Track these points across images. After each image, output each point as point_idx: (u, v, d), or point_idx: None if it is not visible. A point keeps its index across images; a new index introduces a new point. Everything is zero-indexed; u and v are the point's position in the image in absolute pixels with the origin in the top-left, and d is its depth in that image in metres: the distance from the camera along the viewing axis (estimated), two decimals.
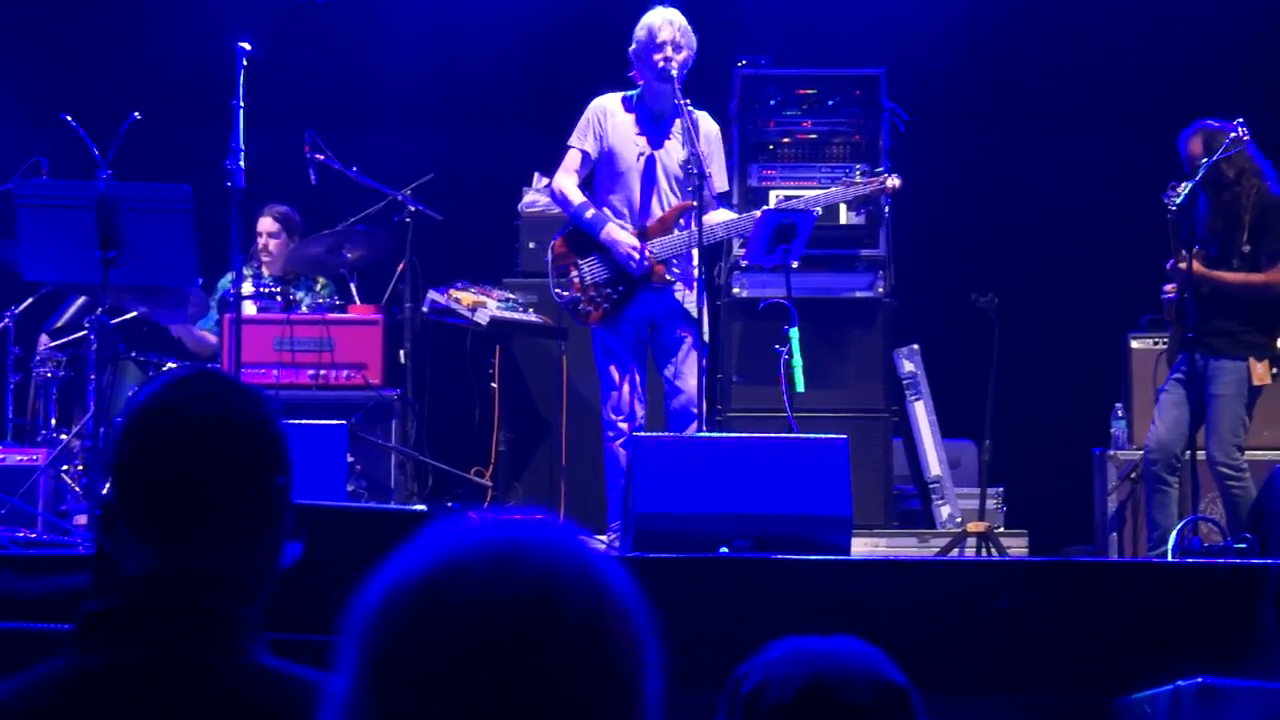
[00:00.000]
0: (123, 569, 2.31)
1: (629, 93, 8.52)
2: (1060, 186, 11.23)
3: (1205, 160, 8.43)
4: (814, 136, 9.71)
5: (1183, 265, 8.44)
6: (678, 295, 8.39)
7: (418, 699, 1.49)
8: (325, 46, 11.30)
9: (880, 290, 9.58)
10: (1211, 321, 8.50)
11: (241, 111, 8.07)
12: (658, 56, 8.26)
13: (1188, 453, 8.49)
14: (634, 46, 8.39)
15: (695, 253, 8.34)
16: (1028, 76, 11.45)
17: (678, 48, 8.29)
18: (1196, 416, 8.52)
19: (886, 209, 9.47)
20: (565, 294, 8.51)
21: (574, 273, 8.48)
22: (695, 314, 8.27)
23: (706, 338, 8.35)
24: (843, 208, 9.48)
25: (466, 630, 1.49)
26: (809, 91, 9.74)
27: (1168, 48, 11.21)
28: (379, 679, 1.51)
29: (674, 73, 8.23)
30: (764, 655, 2.17)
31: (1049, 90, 11.41)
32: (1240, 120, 8.46)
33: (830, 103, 9.73)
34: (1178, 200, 8.37)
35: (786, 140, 9.69)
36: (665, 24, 8.29)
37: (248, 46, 8.17)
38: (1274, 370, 8.55)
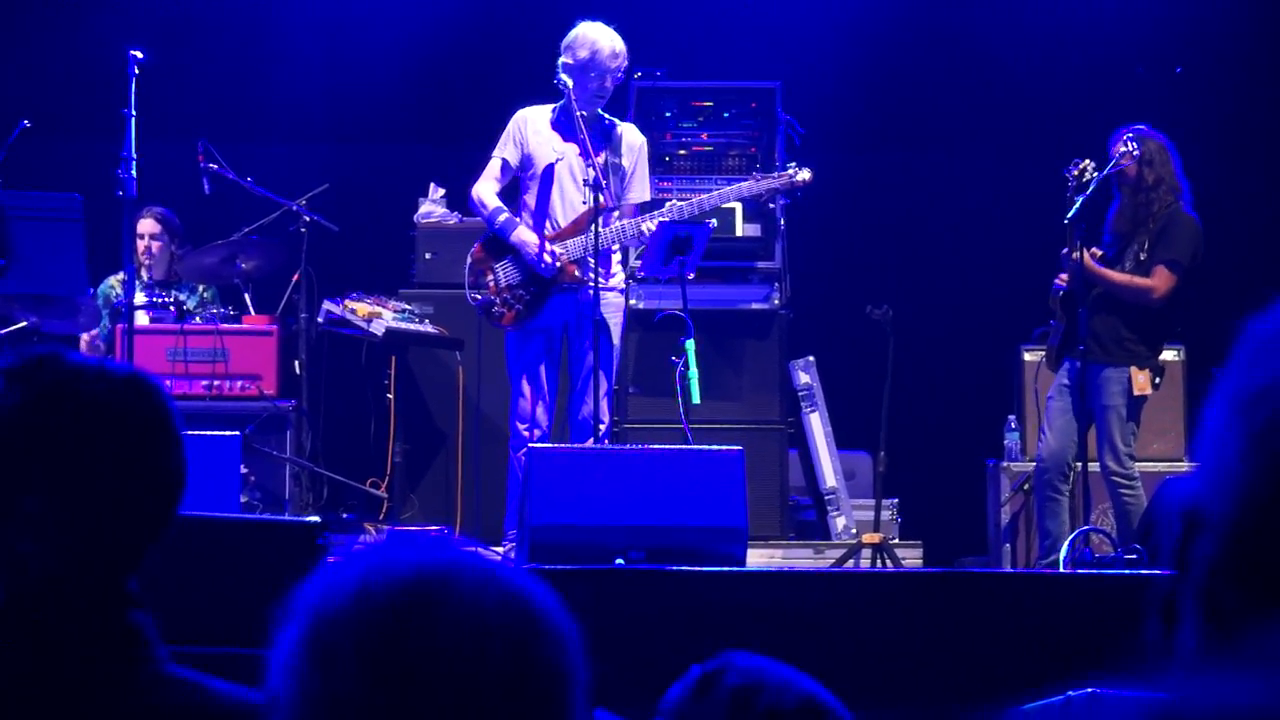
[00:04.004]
0: (26, 569, 2.26)
1: (554, 105, 8.54)
2: (954, 200, 11.31)
3: (1115, 158, 8.52)
4: (710, 149, 9.73)
5: (1076, 256, 8.49)
6: (603, 295, 8.36)
7: None
8: (219, 57, 11.20)
9: (776, 302, 9.60)
10: (1097, 326, 8.56)
11: (133, 120, 7.99)
12: (606, 82, 8.41)
13: (1079, 462, 8.58)
14: (577, 60, 8.38)
15: (616, 252, 8.43)
16: (922, 91, 11.51)
17: (621, 72, 8.48)
18: (1084, 425, 8.61)
19: (782, 222, 9.51)
20: (480, 296, 8.50)
21: (490, 276, 8.48)
22: (615, 314, 8.41)
23: (617, 340, 8.41)
24: (739, 220, 9.51)
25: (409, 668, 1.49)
26: (705, 104, 9.77)
27: (1058, 69, 11.31)
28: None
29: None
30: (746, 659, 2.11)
31: (943, 106, 11.48)
32: None
33: (726, 115, 9.76)
34: (1084, 179, 8.42)
35: (683, 152, 9.71)
36: (622, 54, 8.42)
37: (140, 55, 8.07)
38: (1155, 380, 8.63)
